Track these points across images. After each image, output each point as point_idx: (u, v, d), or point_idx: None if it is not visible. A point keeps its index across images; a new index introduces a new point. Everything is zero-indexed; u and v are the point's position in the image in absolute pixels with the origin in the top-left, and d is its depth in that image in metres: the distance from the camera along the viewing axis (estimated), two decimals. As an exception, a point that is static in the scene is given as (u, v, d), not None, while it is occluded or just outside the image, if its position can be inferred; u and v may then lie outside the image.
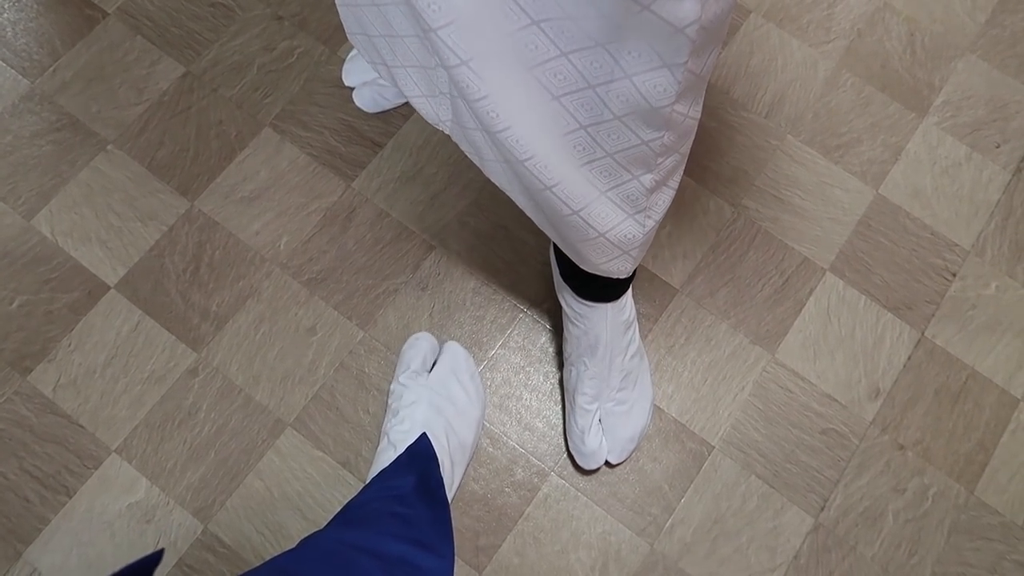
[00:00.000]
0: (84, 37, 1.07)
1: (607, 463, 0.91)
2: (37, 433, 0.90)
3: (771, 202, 1.05)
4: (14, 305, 0.94)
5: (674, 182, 0.72)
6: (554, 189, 0.64)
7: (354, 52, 1.06)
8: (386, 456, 0.84)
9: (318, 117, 1.05)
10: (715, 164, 1.06)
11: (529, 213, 0.74)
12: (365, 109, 1.04)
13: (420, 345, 0.92)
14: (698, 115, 0.65)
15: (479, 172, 1.03)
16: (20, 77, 1.05)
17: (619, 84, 0.57)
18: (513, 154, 0.62)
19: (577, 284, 0.84)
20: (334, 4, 1.10)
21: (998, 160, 1.08)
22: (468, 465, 0.90)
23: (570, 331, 0.88)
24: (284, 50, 1.08)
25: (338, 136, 1.04)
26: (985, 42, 1.14)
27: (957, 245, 1.04)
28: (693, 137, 0.67)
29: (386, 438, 0.86)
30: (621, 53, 0.55)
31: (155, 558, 0.45)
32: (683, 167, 0.71)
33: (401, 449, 0.83)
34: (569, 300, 0.86)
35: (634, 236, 0.70)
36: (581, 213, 0.66)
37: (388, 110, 1.05)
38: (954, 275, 1.03)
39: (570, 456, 0.92)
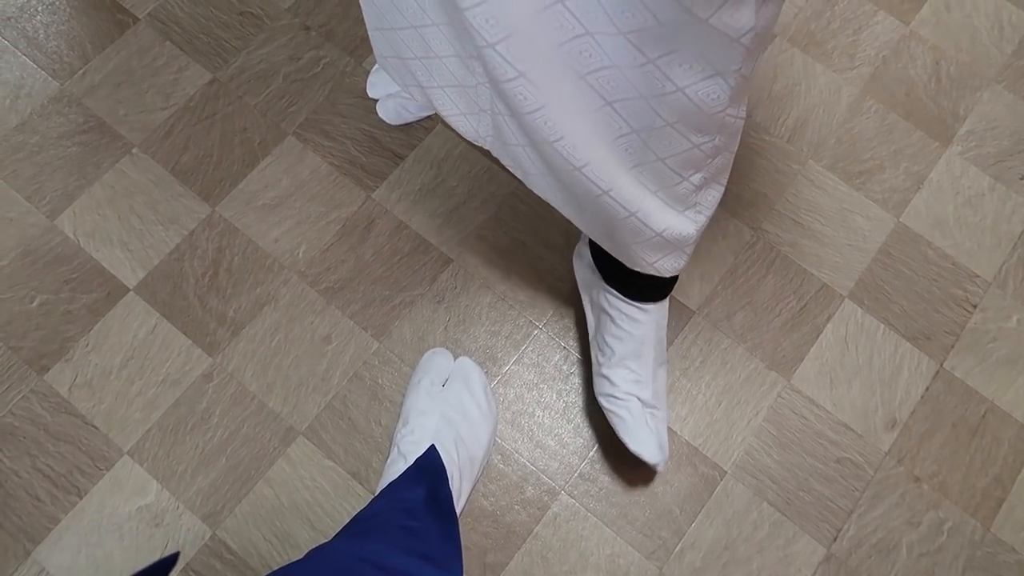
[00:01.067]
0: (114, 41, 1.09)
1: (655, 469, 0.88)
2: (51, 432, 0.90)
3: (791, 227, 1.04)
4: (34, 304, 0.95)
5: (723, 179, 0.72)
6: (611, 193, 0.64)
7: (379, 65, 1.07)
8: (396, 467, 0.83)
9: (341, 127, 1.06)
10: (736, 187, 1.06)
11: (577, 221, 0.74)
12: (388, 121, 1.05)
13: (435, 360, 0.92)
14: (744, 115, 0.65)
15: (499, 187, 1.03)
16: (50, 79, 1.06)
17: (671, 97, 0.57)
18: (569, 162, 0.62)
19: (627, 286, 0.83)
20: (362, 16, 1.12)
21: (1022, 192, 1.07)
22: (478, 480, 0.90)
23: (613, 334, 0.86)
24: (310, 60, 1.09)
25: (360, 147, 1.05)
26: (1011, 73, 1.14)
27: (978, 276, 1.03)
28: (740, 135, 0.68)
29: (396, 449, 0.85)
30: (672, 67, 0.55)
31: (170, 561, 0.45)
32: (730, 165, 0.71)
33: (411, 460, 0.83)
34: (614, 302, 0.85)
35: (688, 233, 0.71)
36: (638, 215, 0.67)
37: (411, 123, 1.06)
38: (975, 307, 1.02)
39: (586, 474, 0.91)
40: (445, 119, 0.72)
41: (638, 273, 0.79)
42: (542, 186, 0.71)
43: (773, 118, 1.10)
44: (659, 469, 0.85)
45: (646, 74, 0.56)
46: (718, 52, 0.54)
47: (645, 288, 0.83)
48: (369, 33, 0.75)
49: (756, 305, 1.00)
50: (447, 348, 0.95)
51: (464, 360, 0.91)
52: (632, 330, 0.85)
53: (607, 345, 0.88)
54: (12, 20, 1.09)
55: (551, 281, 0.99)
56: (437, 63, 0.67)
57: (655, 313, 0.85)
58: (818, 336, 0.99)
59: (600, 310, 0.89)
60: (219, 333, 0.95)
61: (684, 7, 0.50)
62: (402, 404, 0.91)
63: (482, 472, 0.90)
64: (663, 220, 0.69)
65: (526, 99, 0.59)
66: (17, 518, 0.87)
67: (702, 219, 0.72)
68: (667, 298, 0.87)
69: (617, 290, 0.85)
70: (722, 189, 0.73)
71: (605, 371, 0.87)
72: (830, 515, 0.92)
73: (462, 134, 0.72)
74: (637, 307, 0.84)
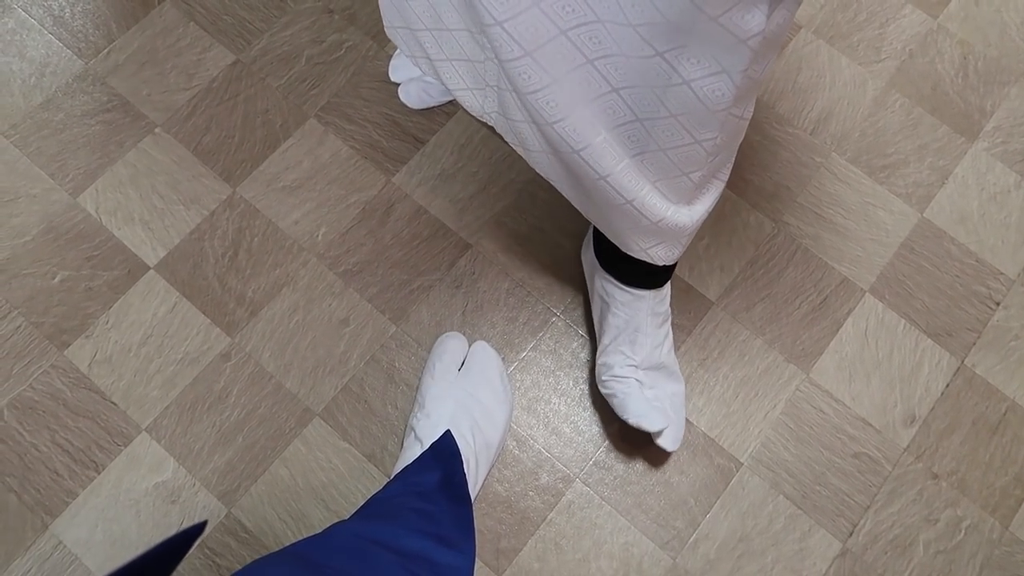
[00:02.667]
0: (139, 21, 1.09)
1: (663, 451, 0.88)
2: (70, 407, 0.91)
3: (813, 219, 1.03)
4: (56, 280, 0.96)
5: (724, 174, 0.72)
6: (608, 179, 0.64)
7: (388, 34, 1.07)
8: (412, 451, 0.84)
9: (363, 111, 1.06)
10: (757, 178, 1.05)
11: (575, 202, 0.74)
12: (410, 105, 1.05)
13: (450, 343, 0.92)
14: (750, 115, 0.65)
15: (519, 173, 1.03)
16: (75, 57, 1.07)
17: (677, 89, 0.57)
18: (568, 144, 0.62)
19: (622, 271, 0.84)
20: None
21: (1049, 190, 1.06)
22: (493, 466, 0.90)
23: (609, 321, 0.87)
24: (333, 43, 1.09)
25: (381, 130, 1.05)
26: (1041, 69, 1.12)
27: (1002, 274, 1.02)
28: (743, 134, 0.67)
29: (412, 433, 0.85)
30: (680, 60, 0.55)
31: (198, 529, 0.45)
32: (732, 161, 0.71)
33: (427, 444, 0.83)
34: (611, 289, 0.86)
35: (684, 224, 0.71)
36: (634, 203, 0.66)
37: (433, 107, 1.06)
38: (998, 304, 1.00)
39: (601, 462, 0.91)
40: (451, 92, 0.72)
41: (634, 259, 0.79)
42: (544, 164, 0.71)
43: (797, 110, 1.09)
44: (666, 446, 0.84)
45: (654, 65, 0.56)
46: (726, 51, 0.54)
47: (640, 274, 0.83)
48: (380, 3, 0.74)
49: (776, 297, 0.99)
50: (464, 333, 0.95)
51: (481, 344, 0.91)
52: (627, 316, 0.85)
53: (605, 332, 0.88)
54: (38, -2, 1.09)
55: (569, 269, 0.99)
56: (447, 36, 0.67)
57: (650, 300, 0.85)
58: (838, 330, 0.98)
59: (600, 298, 0.89)
60: (238, 313, 0.95)
61: (695, 5, 0.50)
62: (417, 388, 0.91)
63: (497, 458, 0.90)
64: (660, 210, 0.68)
65: (530, 79, 0.59)
66: (36, 491, 0.88)
67: (699, 212, 0.72)
68: (664, 287, 0.86)
69: (613, 276, 0.85)
70: (722, 185, 0.73)
71: (603, 359, 0.88)
72: (847, 510, 0.91)
73: (467, 109, 0.72)
74: (630, 293, 0.84)
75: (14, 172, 1.01)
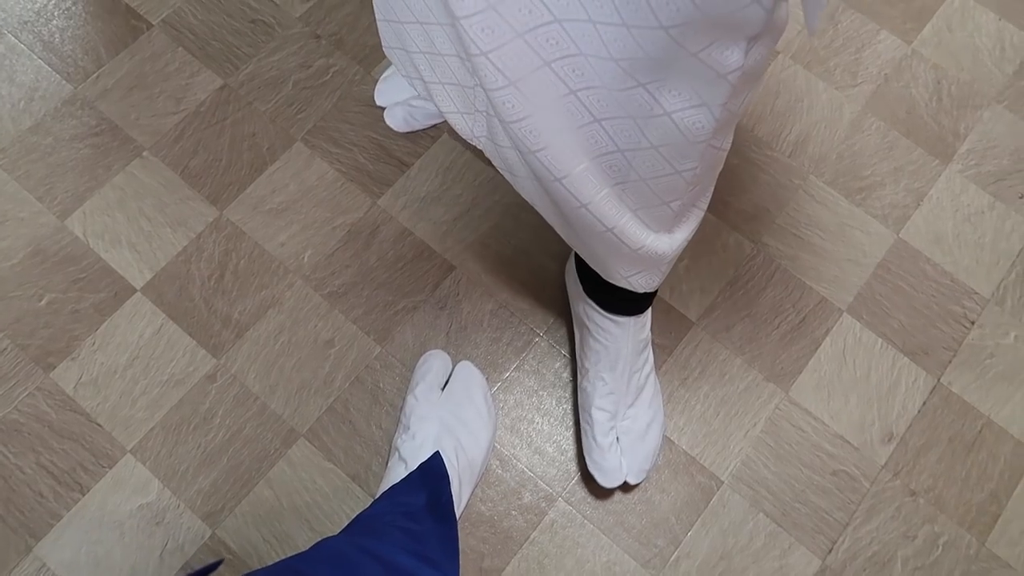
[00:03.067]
0: (128, 46, 1.11)
1: (626, 483, 0.90)
2: (55, 429, 0.91)
3: (791, 240, 1.05)
4: (43, 302, 0.97)
5: (703, 203, 0.73)
6: (589, 207, 0.65)
7: (387, 73, 1.08)
8: (396, 472, 0.84)
9: (349, 135, 1.07)
10: (737, 200, 1.07)
11: (558, 228, 0.76)
12: (396, 128, 1.06)
13: (434, 362, 0.93)
14: (729, 146, 0.67)
15: (503, 196, 1.05)
16: (64, 82, 1.08)
17: (658, 120, 0.59)
18: (550, 172, 0.63)
19: (603, 298, 0.85)
20: (371, 25, 1.13)
21: (1021, 211, 1.09)
22: (476, 485, 0.91)
23: (590, 346, 0.88)
24: (320, 68, 1.11)
25: (367, 154, 1.06)
26: (1012, 93, 1.15)
27: (977, 293, 1.04)
28: (722, 164, 0.69)
29: (397, 453, 0.86)
30: (662, 92, 0.57)
31: (214, 566, 0.46)
32: (712, 190, 0.73)
33: (412, 465, 0.84)
34: (592, 315, 0.87)
35: (664, 252, 0.72)
36: (614, 231, 0.68)
37: (417, 131, 1.07)
38: (973, 323, 1.02)
39: (584, 481, 0.92)
40: (443, 115, 0.74)
41: (614, 286, 0.80)
42: (529, 190, 0.72)
43: (775, 133, 1.11)
44: (630, 480, 0.88)
45: (635, 96, 0.57)
46: (706, 85, 0.56)
47: (620, 301, 0.84)
48: (378, 23, 0.76)
49: (755, 317, 1.01)
50: (448, 353, 0.96)
51: (465, 364, 0.92)
52: (607, 342, 0.87)
53: (586, 357, 0.90)
54: (29, 24, 1.11)
55: (552, 290, 1.00)
56: (440, 60, 0.69)
57: (631, 327, 0.86)
58: (816, 349, 1.00)
59: (581, 323, 0.90)
60: (224, 335, 0.96)
61: (676, 41, 0.52)
62: (401, 408, 0.92)
63: (481, 477, 0.91)
64: (640, 238, 0.70)
65: (513, 107, 0.60)
66: (20, 513, 0.88)
67: (679, 240, 0.73)
68: (644, 314, 0.88)
69: (595, 302, 0.86)
70: (701, 213, 0.74)
71: (584, 383, 0.90)
72: (826, 527, 0.92)
73: (458, 131, 0.73)
74: (611, 319, 0.86)
75: (2, 195, 1.01)
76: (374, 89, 1.09)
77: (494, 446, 0.93)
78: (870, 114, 1.13)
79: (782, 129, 1.11)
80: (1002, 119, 1.13)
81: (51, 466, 0.90)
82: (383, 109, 1.08)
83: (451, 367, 0.94)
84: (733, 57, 0.53)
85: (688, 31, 0.51)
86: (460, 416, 0.88)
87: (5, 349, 0.94)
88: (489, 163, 1.07)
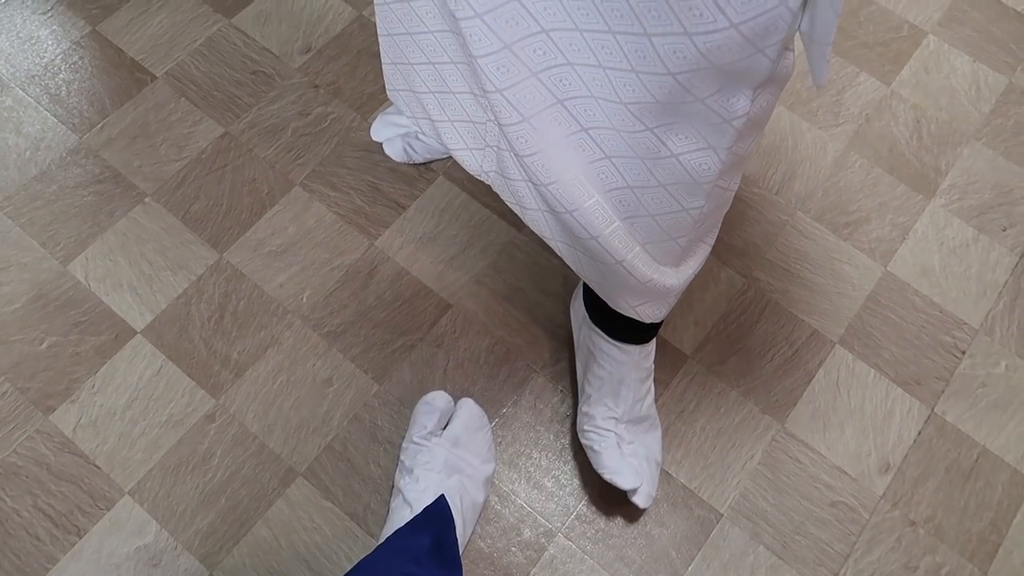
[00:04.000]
0: (132, 97, 1.14)
1: (635, 507, 0.89)
2: (54, 472, 0.91)
3: (781, 275, 1.07)
4: (43, 346, 0.97)
5: (710, 239, 0.75)
6: (599, 239, 0.67)
7: (382, 110, 1.12)
8: (400, 514, 0.84)
9: (346, 179, 1.10)
10: (728, 236, 1.09)
11: (568, 259, 0.77)
12: (395, 159, 1.09)
13: (436, 404, 0.93)
14: (736, 186, 0.69)
15: (498, 236, 1.07)
16: (69, 132, 1.11)
17: (666, 161, 0.61)
18: (561, 204, 0.65)
19: (609, 326, 0.86)
20: (368, 74, 1.17)
21: (1005, 243, 1.11)
22: (476, 523, 0.90)
23: (595, 373, 0.89)
24: (318, 116, 1.14)
25: (364, 196, 1.09)
26: (990, 130, 1.19)
27: (966, 324, 1.05)
28: (730, 203, 0.71)
29: (400, 495, 0.86)
30: (669, 136, 0.59)
31: None
32: (719, 227, 0.75)
33: (417, 508, 0.83)
34: (598, 342, 0.88)
35: (671, 285, 0.74)
36: (623, 263, 0.69)
37: (414, 172, 1.10)
38: (963, 353, 1.04)
39: (583, 515, 0.91)
40: (450, 151, 0.76)
41: (622, 315, 0.82)
42: (539, 223, 0.74)
43: (762, 172, 1.14)
44: (639, 503, 0.87)
45: (644, 139, 0.60)
46: (712, 129, 0.58)
47: (627, 330, 0.86)
48: (384, 67, 0.79)
49: (749, 350, 1.02)
50: (446, 390, 0.97)
51: (466, 402, 0.93)
52: (612, 369, 0.88)
53: (589, 384, 0.91)
54: (36, 78, 1.14)
55: (549, 326, 1.02)
56: (450, 98, 0.71)
57: (636, 355, 0.88)
58: (810, 381, 1.01)
59: (586, 350, 0.92)
60: (223, 375, 0.97)
61: (683, 87, 0.54)
62: (402, 448, 0.92)
63: (480, 514, 0.91)
64: (648, 272, 0.71)
65: (527, 142, 0.63)
66: (15, 557, 0.87)
67: (686, 275, 0.75)
68: (649, 343, 0.89)
69: (602, 329, 0.88)
70: (708, 249, 0.76)
71: (585, 408, 0.90)
72: (827, 559, 0.92)
73: (466, 168, 0.76)
74: (617, 347, 0.87)
75: (6, 241, 1.03)
76: (369, 130, 1.12)
77: (493, 482, 0.93)
78: (853, 152, 1.16)
79: (768, 167, 1.14)
80: (981, 155, 1.17)
81: (48, 509, 0.89)
82: (381, 154, 1.11)
83: (452, 406, 0.94)
84: (739, 104, 0.56)
85: (695, 78, 0.53)
86: (463, 456, 0.88)
87: (5, 392, 0.95)
88: (485, 205, 1.09)
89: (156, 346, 0.98)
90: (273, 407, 0.95)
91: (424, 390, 0.97)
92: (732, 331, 1.03)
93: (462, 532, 0.84)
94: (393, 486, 0.91)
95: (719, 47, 0.50)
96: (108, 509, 0.89)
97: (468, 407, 0.92)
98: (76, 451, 0.92)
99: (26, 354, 0.97)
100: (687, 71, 0.53)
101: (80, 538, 0.88)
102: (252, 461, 0.93)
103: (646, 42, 0.52)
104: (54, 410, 0.94)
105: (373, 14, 1.23)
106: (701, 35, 0.50)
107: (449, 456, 0.87)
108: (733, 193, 0.69)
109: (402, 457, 0.90)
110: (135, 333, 0.99)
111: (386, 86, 0.79)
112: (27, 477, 0.91)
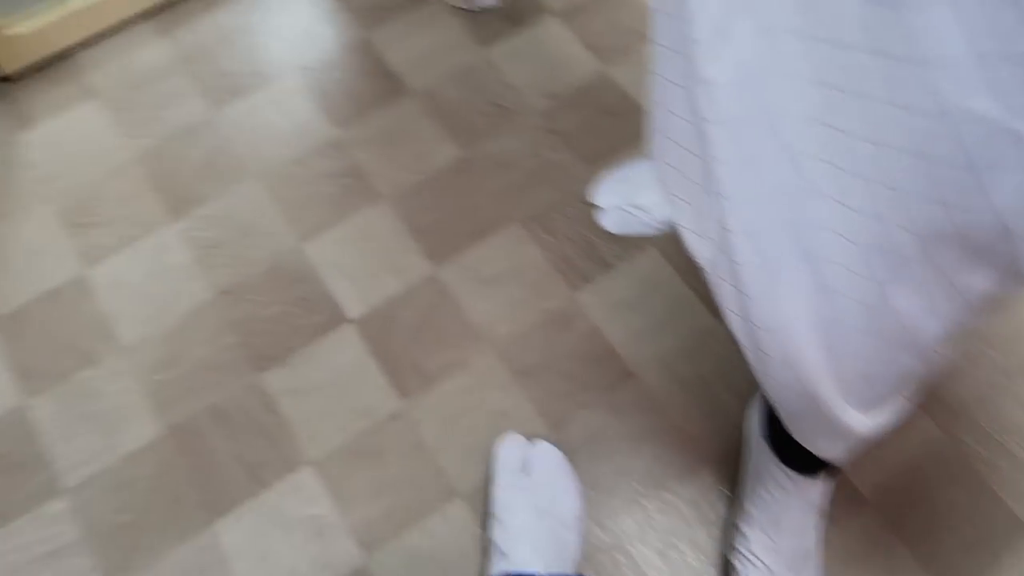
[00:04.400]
0: (388, 105, 1.25)
1: None
2: (255, 424, 1.01)
3: (986, 442, 1.00)
4: (270, 311, 1.09)
5: (913, 397, 0.72)
6: (792, 365, 0.67)
7: (609, 176, 1.15)
8: (498, 567, 0.86)
9: (563, 227, 1.15)
10: (941, 389, 1.04)
11: (757, 372, 0.77)
12: (610, 230, 1.13)
13: (511, 447, 0.95)
14: (953, 355, 0.66)
15: (696, 320, 1.08)
16: (330, 126, 1.23)
17: (886, 315, 0.60)
18: (762, 321, 0.65)
19: (783, 449, 0.85)
20: (602, 133, 1.22)
21: None
22: (576, 562, 0.91)
23: (759, 494, 0.88)
24: (548, 160, 1.20)
25: (576, 248, 1.13)
26: None
27: None
28: (943, 369, 0.68)
29: (497, 548, 0.88)
30: (895, 292, 0.58)
31: None
32: (924, 387, 0.72)
33: (512, 557, 0.85)
34: (767, 463, 0.87)
35: (854, 428, 0.72)
36: (812, 395, 0.68)
37: (629, 236, 1.13)
38: None
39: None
40: (679, 230, 0.76)
41: (796, 440, 0.80)
42: (740, 329, 0.73)
43: (987, 327, 1.08)
44: None
45: (869, 287, 0.59)
46: (944, 299, 0.55)
47: (799, 458, 0.83)
48: (654, 135, 0.78)
49: (935, 514, 0.96)
50: (611, 459, 0.99)
51: (546, 446, 0.95)
52: (778, 496, 0.86)
53: (751, 502, 0.89)
54: (314, 71, 1.28)
55: (726, 425, 1.01)
56: (687, 183, 0.72)
57: (805, 488, 0.85)
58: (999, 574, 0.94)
59: (755, 464, 0.90)
60: (413, 381, 1.04)
61: (923, 248, 0.52)
62: (490, 498, 0.94)
63: (580, 550, 0.91)
64: (836, 410, 0.69)
65: (743, 252, 0.63)
66: (210, 490, 0.97)
67: (875, 424, 0.72)
68: (821, 480, 0.86)
69: (774, 449, 0.86)
70: (908, 406, 0.73)
71: (744, 527, 0.89)
72: None
73: (691, 251, 0.75)
74: (786, 473, 0.85)
75: (258, 209, 1.16)
76: (595, 189, 1.16)
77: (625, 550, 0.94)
78: (1097, 330, 1.07)
79: (997, 321, 1.08)
80: None
81: (243, 456, 0.99)
82: (599, 209, 1.15)
83: (526, 448, 0.96)
84: (978, 281, 0.54)
85: (940, 243, 0.52)
86: (549, 500, 0.90)
87: (231, 344, 1.06)
88: (690, 286, 1.10)
89: (362, 337, 1.07)
90: (450, 424, 1.01)
91: (591, 450, 0.99)
92: (918, 487, 0.98)
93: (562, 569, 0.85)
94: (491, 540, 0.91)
95: (972, 225, 0.49)
96: (291, 472, 0.98)
97: (548, 450, 0.95)
98: (277, 412, 1.02)
99: (255, 315, 1.09)
100: (930, 234, 0.51)
101: (264, 489, 0.97)
102: (421, 469, 0.99)
103: (897, 199, 0.51)
104: (266, 370, 1.05)
105: (616, 73, 1.28)
106: (958, 210, 0.48)
107: (537, 501, 0.90)
108: (947, 360, 0.66)
109: (493, 507, 0.92)
110: (347, 321, 1.08)
111: (655, 156, 0.79)
112: (232, 422, 1.02)
